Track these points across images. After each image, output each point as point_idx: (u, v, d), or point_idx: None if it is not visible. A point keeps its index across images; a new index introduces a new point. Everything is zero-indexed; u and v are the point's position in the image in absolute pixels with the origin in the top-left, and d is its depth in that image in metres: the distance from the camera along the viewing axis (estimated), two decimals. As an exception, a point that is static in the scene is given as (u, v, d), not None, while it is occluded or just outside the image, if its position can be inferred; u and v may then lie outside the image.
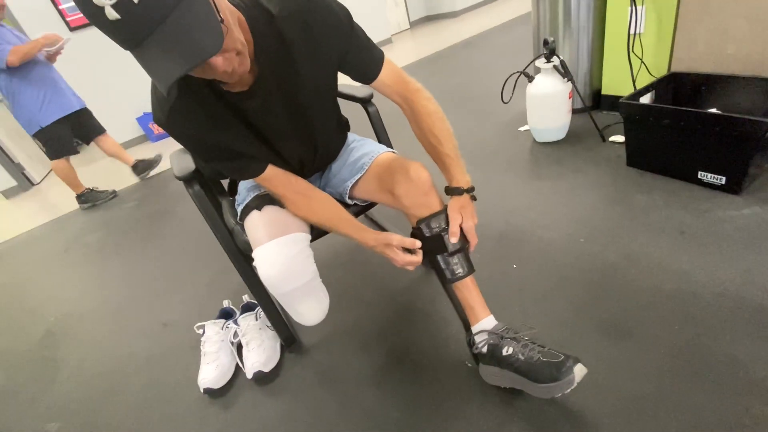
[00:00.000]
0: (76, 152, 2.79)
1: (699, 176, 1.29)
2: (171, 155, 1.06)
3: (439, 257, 0.86)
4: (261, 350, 1.11)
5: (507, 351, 0.81)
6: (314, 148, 0.92)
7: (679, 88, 1.48)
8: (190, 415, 1.07)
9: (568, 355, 0.75)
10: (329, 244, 1.59)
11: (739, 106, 1.29)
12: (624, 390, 0.83)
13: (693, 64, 1.46)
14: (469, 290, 0.88)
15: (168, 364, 1.27)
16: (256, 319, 1.18)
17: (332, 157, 1.02)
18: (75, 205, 2.91)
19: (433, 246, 0.85)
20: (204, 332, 1.18)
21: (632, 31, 1.66)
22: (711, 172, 1.26)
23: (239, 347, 1.18)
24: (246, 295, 1.27)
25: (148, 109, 4.27)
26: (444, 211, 0.85)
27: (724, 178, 1.23)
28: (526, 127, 2.04)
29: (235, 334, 1.18)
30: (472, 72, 3.35)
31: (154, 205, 2.59)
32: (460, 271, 0.86)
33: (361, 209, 1.03)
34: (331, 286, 1.36)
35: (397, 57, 4.93)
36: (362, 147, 1.00)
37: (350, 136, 1.07)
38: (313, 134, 0.88)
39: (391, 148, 1.08)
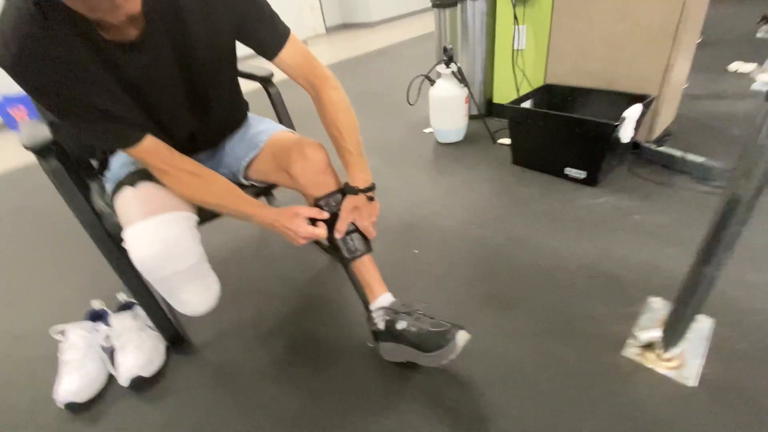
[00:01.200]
0: None
1: (566, 172, 1.51)
2: (21, 123, 0.89)
3: (337, 236, 0.85)
4: (140, 353, 0.98)
5: (401, 325, 0.83)
6: (207, 120, 0.85)
7: (552, 98, 1.71)
8: (45, 438, 0.89)
9: (453, 324, 0.79)
10: (231, 237, 1.49)
11: (596, 113, 1.53)
12: (507, 355, 0.92)
13: (562, 78, 1.70)
14: (367, 269, 0.89)
15: (19, 382, 1.05)
16: (134, 319, 1.04)
17: (227, 131, 0.96)
18: None
19: (332, 224, 0.85)
20: (65, 338, 1.00)
21: (516, 47, 1.88)
22: (575, 168, 1.48)
23: (112, 353, 1.02)
24: (121, 294, 1.12)
25: (7, 90, 3.58)
26: (338, 191, 0.84)
27: (584, 173, 1.45)
28: (429, 129, 2.17)
29: (107, 338, 1.02)
30: (384, 78, 3.47)
31: (12, 202, 2.16)
32: (356, 248, 0.86)
33: (259, 191, 0.98)
34: (230, 281, 1.28)
35: (312, 60, 4.89)
36: (259, 124, 0.96)
37: (249, 115, 1.02)
38: (207, 103, 0.81)
39: (293, 129, 1.06)
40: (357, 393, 0.89)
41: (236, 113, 0.97)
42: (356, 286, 0.94)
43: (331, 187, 0.84)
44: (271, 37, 0.77)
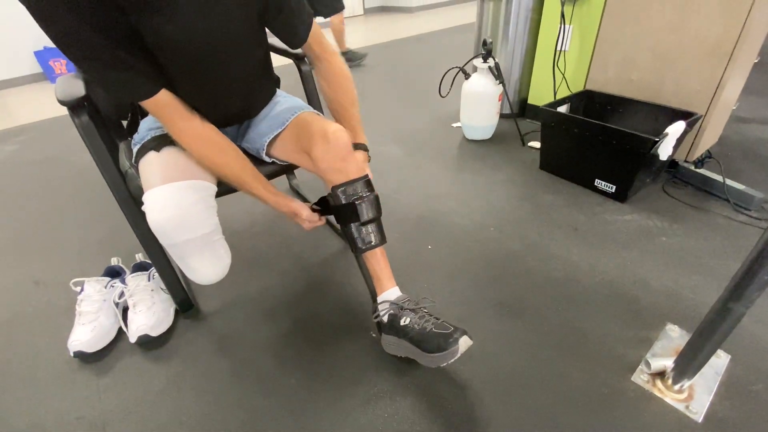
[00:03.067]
0: (344, 8, 2.96)
1: (595, 183, 1.45)
2: (58, 79, 0.90)
3: (352, 225, 0.85)
4: (150, 313, 1.00)
5: (405, 321, 0.82)
6: (228, 96, 0.85)
7: (590, 105, 1.64)
8: (55, 380, 0.93)
9: (456, 328, 0.78)
10: (247, 210, 1.50)
11: (635, 126, 1.47)
12: (509, 362, 0.90)
13: (604, 85, 1.63)
14: (377, 261, 0.89)
15: (35, 325, 1.09)
16: (149, 280, 1.06)
17: (250, 112, 0.96)
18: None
19: (347, 214, 0.84)
20: (82, 290, 1.03)
21: (559, 48, 1.80)
22: (605, 181, 1.42)
23: (125, 310, 1.06)
24: (139, 254, 1.14)
25: (50, 42, 3.66)
26: (361, 179, 0.83)
27: (614, 187, 1.40)
28: (458, 124, 2.12)
29: (122, 295, 1.05)
30: (418, 66, 3.41)
31: (42, 151, 2.23)
32: (371, 240, 0.86)
33: (279, 169, 0.98)
34: (242, 254, 1.30)
35: (348, 40, 4.84)
36: (286, 102, 0.95)
37: (278, 92, 1.02)
38: (228, 80, 0.82)
39: (321, 111, 1.05)
40: (354, 379, 0.89)
41: (262, 93, 0.96)
42: (365, 275, 0.93)
43: (351, 174, 0.83)
44: (298, 31, 0.81)
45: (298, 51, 1.06)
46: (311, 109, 0.95)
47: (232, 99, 0.86)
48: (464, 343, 0.76)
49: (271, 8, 0.77)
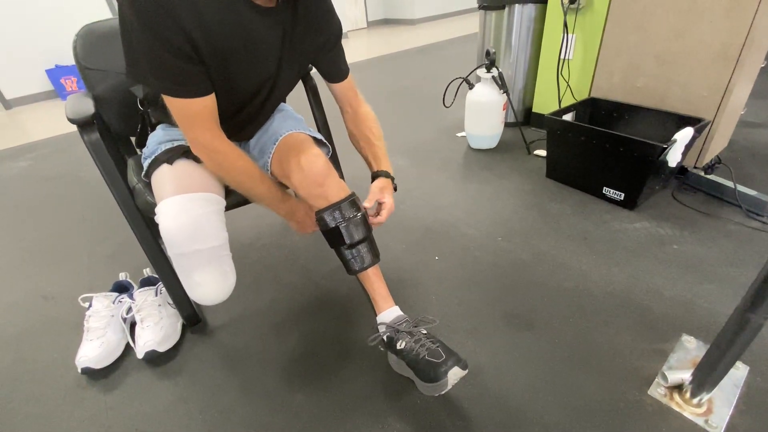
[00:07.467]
0: None
1: (603, 191, 1.44)
2: (69, 97, 0.92)
3: (341, 248, 0.84)
4: (158, 328, 1.00)
5: (400, 345, 0.81)
6: (254, 111, 0.88)
7: (596, 112, 1.64)
8: (62, 397, 0.93)
9: (449, 357, 0.75)
10: (253, 224, 1.51)
11: (642, 133, 1.46)
12: (520, 375, 0.88)
13: (609, 93, 1.63)
14: (371, 282, 0.88)
15: (44, 340, 1.10)
16: (156, 295, 1.06)
17: (256, 127, 0.97)
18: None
19: (331, 238, 0.83)
20: (90, 306, 1.03)
21: (563, 56, 1.80)
22: (613, 189, 1.41)
23: (132, 325, 1.06)
24: (147, 269, 1.15)
25: (61, 60, 3.77)
26: (344, 200, 0.80)
27: (623, 195, 1.38)
28: (463, 133, 2.12)
29: (129, 310, 1.05)
30: (421, 77, 3.43)
31: (53, 167, 2.27)
32: (361, 262, 0.84)
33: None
34: (249, 267, 1.30)
35: (352, 52, 4.91)
36: (278, 116, 0.97)
37: (282, 105, 1.03)
38: (269, 95, 0.86)
39: (318, 125, 1.06)
40: (362, 396, 0.87)
41: (270, 111, 0.97)
42: (365, 293, 0.92)
43: (331, 198, 0.80)
44: (342, 68, 0.92)
45: (307, 69, 1.08)
46: (295, 127, 0.92)
47: (254, 113, 0.90)
48: (454, 375, 0.74)
49: (330, 43, 0.85)
